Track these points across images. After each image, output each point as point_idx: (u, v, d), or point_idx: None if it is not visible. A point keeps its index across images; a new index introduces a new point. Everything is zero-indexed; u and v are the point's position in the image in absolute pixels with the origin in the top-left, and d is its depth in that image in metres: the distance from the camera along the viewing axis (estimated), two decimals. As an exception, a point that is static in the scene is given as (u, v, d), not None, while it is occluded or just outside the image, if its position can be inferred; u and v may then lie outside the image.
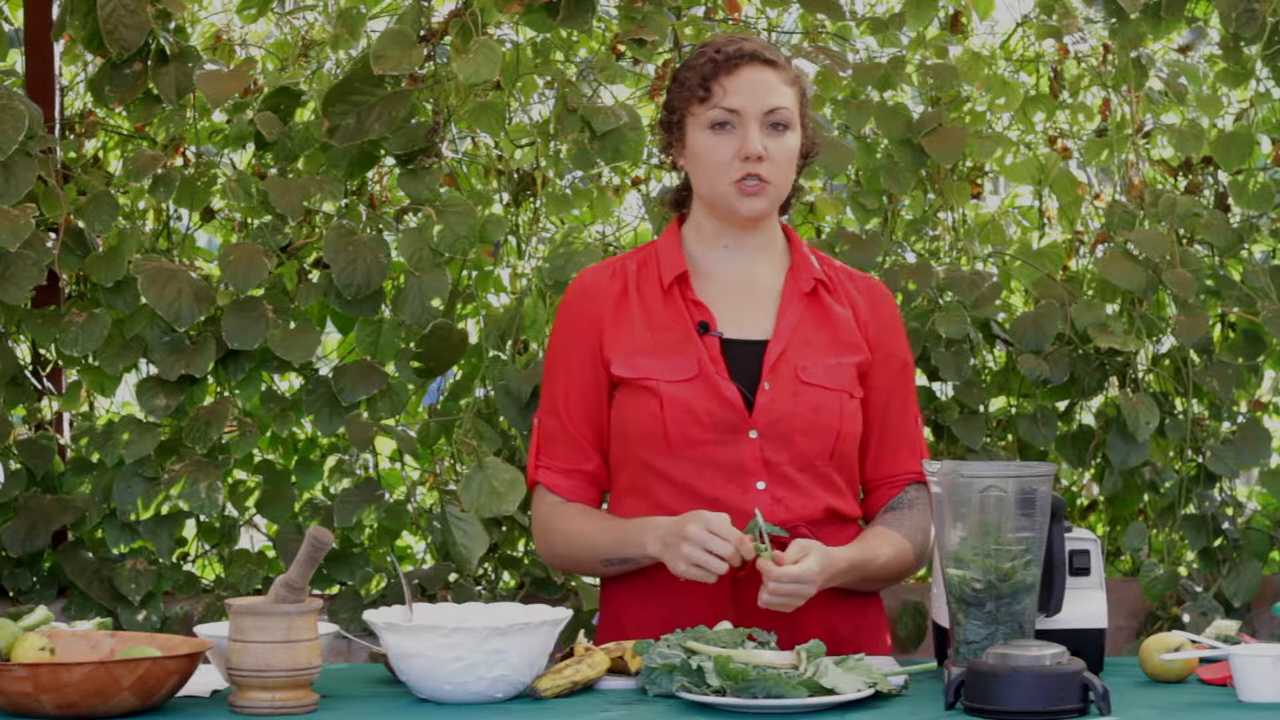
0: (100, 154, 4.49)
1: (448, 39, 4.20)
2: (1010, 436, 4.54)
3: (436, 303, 4.16)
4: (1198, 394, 4.56)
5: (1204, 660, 2.78)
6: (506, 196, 4.39)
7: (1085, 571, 2.80)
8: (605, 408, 3.06)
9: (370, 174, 4.36)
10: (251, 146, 4.36)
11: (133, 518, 4.18)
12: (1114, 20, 4.53)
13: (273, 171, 4.28)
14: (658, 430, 2.99)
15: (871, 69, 4.43)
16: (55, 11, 4.34)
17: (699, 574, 2.83)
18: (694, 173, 3.05)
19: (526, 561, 4.33)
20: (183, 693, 2.62)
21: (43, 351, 4.29)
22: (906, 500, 3.11)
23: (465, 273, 4.34)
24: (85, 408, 4.37)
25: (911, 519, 3.08)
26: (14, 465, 4.20)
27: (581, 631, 2.89)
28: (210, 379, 4.23)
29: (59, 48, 4.41)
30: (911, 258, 4.51)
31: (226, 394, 4.22)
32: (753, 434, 2.98)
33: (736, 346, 3.02)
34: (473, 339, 4.29)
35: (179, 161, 4.38)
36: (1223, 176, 4.63)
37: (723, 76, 2.99)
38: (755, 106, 2.99)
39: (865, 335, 3.07)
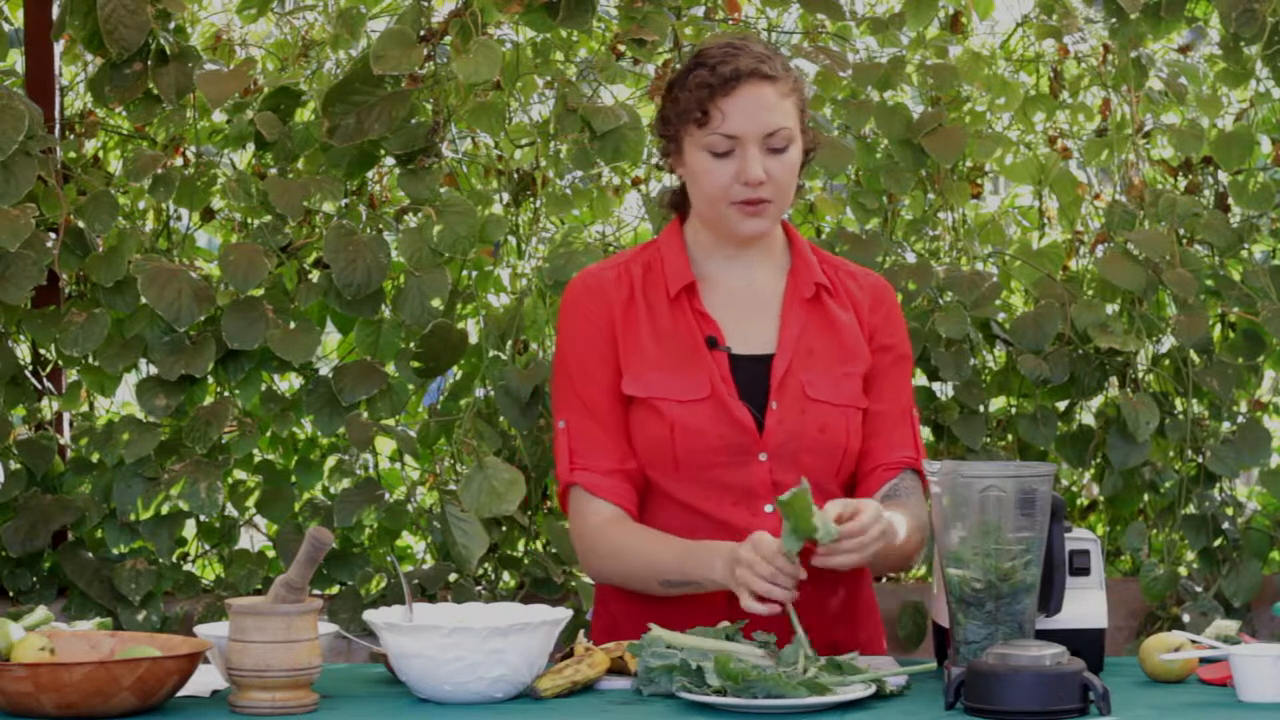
0: (100, 154, 4.49)
1: (448, 39, 4.21)
2: (1010, 436, 4.54)
3: (436, 303, 4.16)
4: (1198, 394, 4.56)
5: (1204, 660, 2.78)
6: (506, 196, 4.39)
7: (1085, 571, 2.79)
8: (627, 408, 2.97)
9: (370, 174, 4.36)
10: (251, 146, 4.37)
11: (133, 518, 4.18)
12: (1114, 20, 4.53)
13: (273, 171, 4.28)
14: (666, 453, 2.92)
15: (871, 69, 4.43)
16: (55, 11, 4.35)
17: (759, 607, 2.70)
18: (693, 191, 2.96)
19: (526, 561, 4.33)
20: (183, 693, 2.62)
21: (43, 351, 4.30)
22: (903, 488, 3.00)
23: (465, 273, 4.34)
24: (85, 408, 4.37)
25: (911, 507, 2.97)
26: (14, 465, 4.20)
27: (581, 631, 2.89)
28: (210, 379, 4.24)
29: (59, 48, 4.41)
30: (911, 258, 4.51)
31: (226, 394, 4.23)
32: (763, 456, 2.92)
33: (743, 362, 2.95)
34: (473, 339, 4.29)
35: (179, 161, 4.39)
36: (1223, 176, 4.63)
37: (720, 99, 2.87)
38: (755, 130, 2.88)
39: (866, 334, 3.04)
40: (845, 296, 3.02)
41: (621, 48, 4.34)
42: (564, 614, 2.62)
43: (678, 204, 3.05)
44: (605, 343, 2.96)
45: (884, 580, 4.52)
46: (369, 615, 2.60)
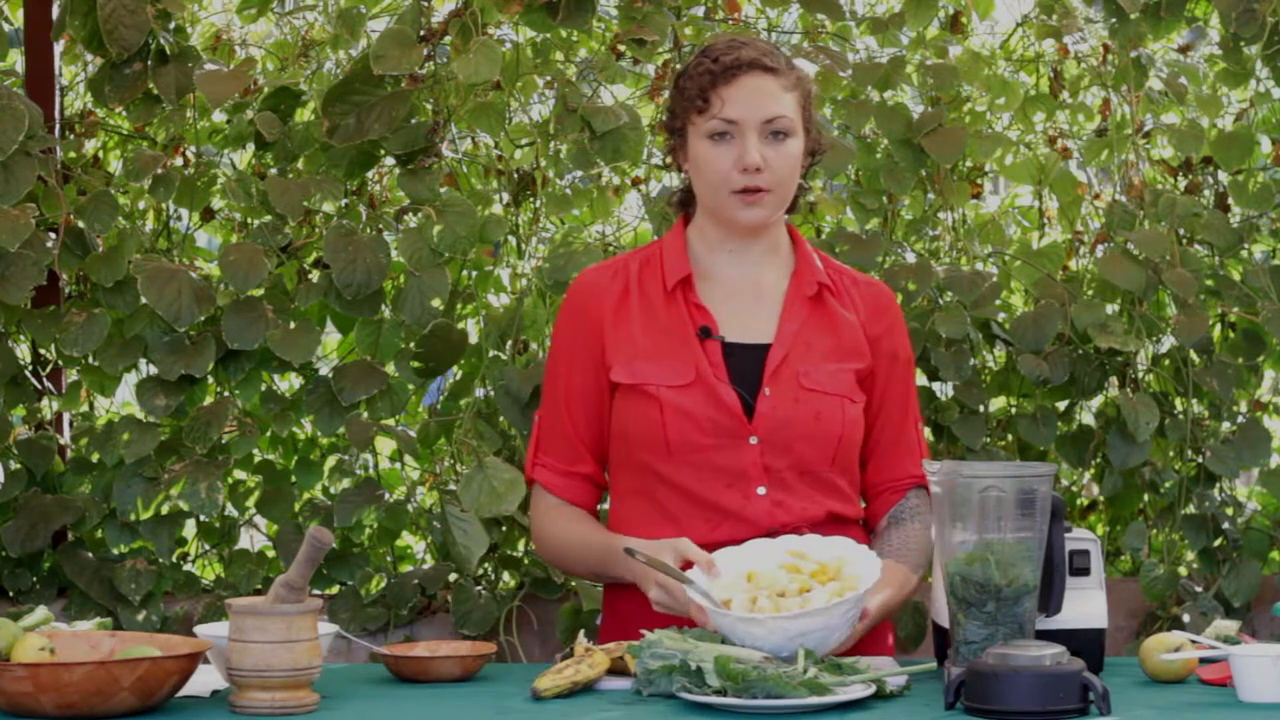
0: (100, 154, 4.49)
1: (448, 39, 4.21)
2: (1010, 436, 4.54)
3: (436, 303, 4.16)
4: (1198, 394, 4.56)
5: (1204, 660, 2.78)
6: (506, 196, 4.39)
7: (1085, 571, 2.80)
8: (605, 410, 3.06)
9: (370, 174, 4.36)
10: (251, 146, 4.37)
11: (133, 518, 4.18)
12: (1114, 20, 4.53)
13: (273, 171, 4.28)
14: (658, 436, 2.98)
15: (871, 69, 4.43)
16: (55, 11, 4.34)
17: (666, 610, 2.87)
18: (696, 181, 3.04)
19: (526, 561, 4.33)
20: (183, 693, 2.62)
21: (43, 351, 4.29)
22: (909, 509, 3.11)
23: (465, 273, 4.34)
24: (85, 408, 4.37)
25: (914, 536, 3.08)
26: (14, 465, 4.20)
27: (582, 631, 2.89)
28: (210, 379, 4.23)
29: (59, 48, 4.41)
30: (911, 258, 4.51)
31: (226, 394, 4.22)
32: (753, 440, 2.97)
33: (739, 351, 3.01)
34: (473, 339, 4.29)
35: (179, 161, 4.38)
36: (1223, 176, 4.63)
37: (721, 86, 2.97)
38: (753, 116, 2.96)
39: (867, 342, 3.08)
40: (848, 299, 3.07)
41: (621, 48, 4.34)
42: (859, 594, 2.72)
43: (683, 203, 3.11)
44: (590, 343, 3.05)
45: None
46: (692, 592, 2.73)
